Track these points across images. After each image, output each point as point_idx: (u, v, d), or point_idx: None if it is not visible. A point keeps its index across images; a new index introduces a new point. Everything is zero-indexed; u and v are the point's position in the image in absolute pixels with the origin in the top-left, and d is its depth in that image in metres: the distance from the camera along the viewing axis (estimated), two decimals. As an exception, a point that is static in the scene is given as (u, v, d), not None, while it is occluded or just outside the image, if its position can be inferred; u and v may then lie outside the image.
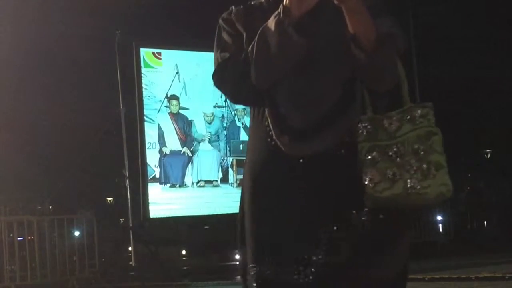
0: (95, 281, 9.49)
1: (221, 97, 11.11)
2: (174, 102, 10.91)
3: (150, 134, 10.73)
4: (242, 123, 11.25)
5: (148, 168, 10.67)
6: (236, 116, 11.32)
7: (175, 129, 10.93)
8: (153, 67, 10.89)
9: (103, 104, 11.22)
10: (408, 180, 1.85)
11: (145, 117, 10.69)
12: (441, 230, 13.33)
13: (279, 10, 1.90)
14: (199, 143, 11.09)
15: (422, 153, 1.86)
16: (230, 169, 11.25)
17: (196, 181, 11.02)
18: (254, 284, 1.97)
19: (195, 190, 11.01)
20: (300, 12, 1.88)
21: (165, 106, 10.89)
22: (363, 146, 1.89)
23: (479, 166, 15.05)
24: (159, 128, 10.80)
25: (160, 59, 10.98)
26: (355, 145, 1.90)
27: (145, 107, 10.70)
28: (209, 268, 10.24)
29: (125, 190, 10.03)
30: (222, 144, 11.26)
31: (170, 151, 10.86)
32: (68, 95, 12.19)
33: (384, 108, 1.95)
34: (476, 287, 6.58)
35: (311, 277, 1.91)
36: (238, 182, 11.01)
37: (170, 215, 10.81)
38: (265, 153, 2.01)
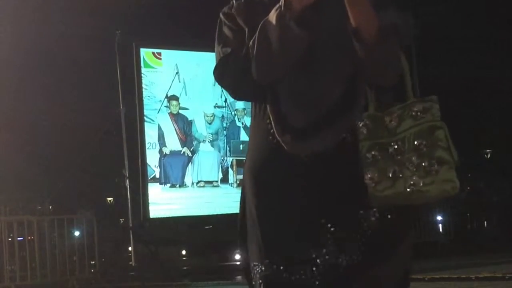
0: (95, 281, 9.50)
1: (221, 97, 11.11)
2: (174, 102, 10.91)
3: (150, 134, 10.73)
4: (242, 123, 11.25)
5: (148, 168, 10.67)
6: (236, 116, 11.32)
7: (175, 129, 10.93)
8: (153, 67, 10.89)
9: (103, 104, 11.23)
10: (409, 178, 1.80)
11: (145, 117, 10.69)
12: (441, 230, 13.33)
13: (280, 3, 1.87)
14: (200, 142, 11.10)
15: (424, 149, 1.80)
16: (230, 169, 11.25)
17: (196, 181, 11.02)
18: (259, 282, 1.95)
19: (195, 190, 11.01)
20: (302, 5, 1.84)
21: (165, 106, 10.89)
22: (363, 144, 1.86)
23: (479, 166, 15.03)
24: (159, 128, 10.80)
25: (160, 59, 10.98)
26: (357, 143, 1.87)
27: (145, 107, 10.70)
28: (209, 268, 10.25)
29: (125, 190, 10.04)
30: (222, 144, 11.26)
31: (170, 151, 10.86)
32: (68, 95, 12.20)
33: (388, 104, 1.91)
34: (476, 287, 6.58)
35: (318, 277, 1.89)
36: (238, 182, 11.01)
37: (170, 215, 10.81)
38: (267, 151, 1.98)
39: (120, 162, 10.09)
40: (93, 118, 11.15)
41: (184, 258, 11.57)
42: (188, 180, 10.97)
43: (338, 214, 1.90)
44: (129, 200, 10.01)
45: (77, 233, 10.32)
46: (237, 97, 2.15)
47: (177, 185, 10.91)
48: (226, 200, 10.76)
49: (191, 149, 11.04)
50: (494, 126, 14.69)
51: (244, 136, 11.23)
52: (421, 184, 1.79)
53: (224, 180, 11.22)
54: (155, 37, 11.31)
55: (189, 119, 11.04)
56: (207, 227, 11.25)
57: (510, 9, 12.87)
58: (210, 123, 11.19)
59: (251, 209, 2.01)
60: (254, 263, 1.98)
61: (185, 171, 10.95)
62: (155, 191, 10.71)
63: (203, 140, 11.13)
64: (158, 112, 10.83)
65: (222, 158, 11.25)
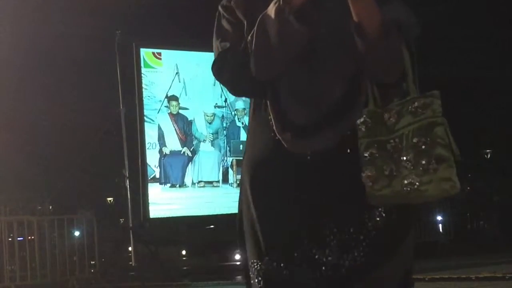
0: (95, 281, 9.50)
1: (221, 97, 11.11)
2: (173, 103, 10.91)
3: (150, 134, 10.73)
4: (242, 123, 11.24)
5: (148, 168, 10.67)
6: (236, 116, 11.32)
7: (175, 129, 10.93)
8: (153, 67, 10.89)
9: (103, 104, 11.22)
10: (406, 177, 1.74)
11: (145, 117, 10.69)
12: (441, 230, 13.34)
13: None
14: (200, 142, 11.10)
15: (423, 146, 1.74)
16: (230, 169, 11.25)
17: (196, 181, 11.02)
18: (258, 279, 1.92)
19: (195, 190, 11.01)
20: None
21: (165, 106, 10.89)
22: (362, 142, 1.81)
23: (479, 166, 15.03)
24: (159, 128, 10.80)
25: (160, 59, 10.98)
26: (357, 141, 1.83)
27: (145, 107, 10.70)
28: (209, 268, 10.26)
29: (125, 190, 10.04)
30: (222, 144, 11.26)
31: (170, 151, 10.86)
32: (68, 95, 12.20)
33: (389, 100, 1.85)
34: (476, 287, 6.58)
35: (319, 277, 1.87)
36: (238, 182, 11.00)
37: (170, 215, 10.81)
38: (267, 148, 1.93)
39: (120, 162, 10.08)
40: (93, 118, 11.15)
41: (184, 258, 11.56)
42: (188, 180, 10.97)
43: (341, 214, 1.87)
44: (129, 200, 10.00)
45: (77, 233, 10.33)
46: (236, 93, 2.11)
47: (177, 185, 10.91)
48: (226, 200, 10.75)
49: (191, 149, 11.04)
50: (494, 126, 14.68)
51: (244, 136, 11.20)
52: (419, 183, 1.73)
53: (224, 180, 11.22)
54: (155, 37, 11.31)
55: (189, 119, 11.04)
56: (207, 227, 11.25)
57: (510, 9, 12.87)
58: (210, 123, 11.19)
59: (250, 207, 1.97)
60: (253, 260, 1.94)
61: (185, 171, 10.95)
62: (155, 191, 10.71)
63: (203, 140, 11.13)
64: (158, 112, 10.83)
65: (222, 158, 11.25)
